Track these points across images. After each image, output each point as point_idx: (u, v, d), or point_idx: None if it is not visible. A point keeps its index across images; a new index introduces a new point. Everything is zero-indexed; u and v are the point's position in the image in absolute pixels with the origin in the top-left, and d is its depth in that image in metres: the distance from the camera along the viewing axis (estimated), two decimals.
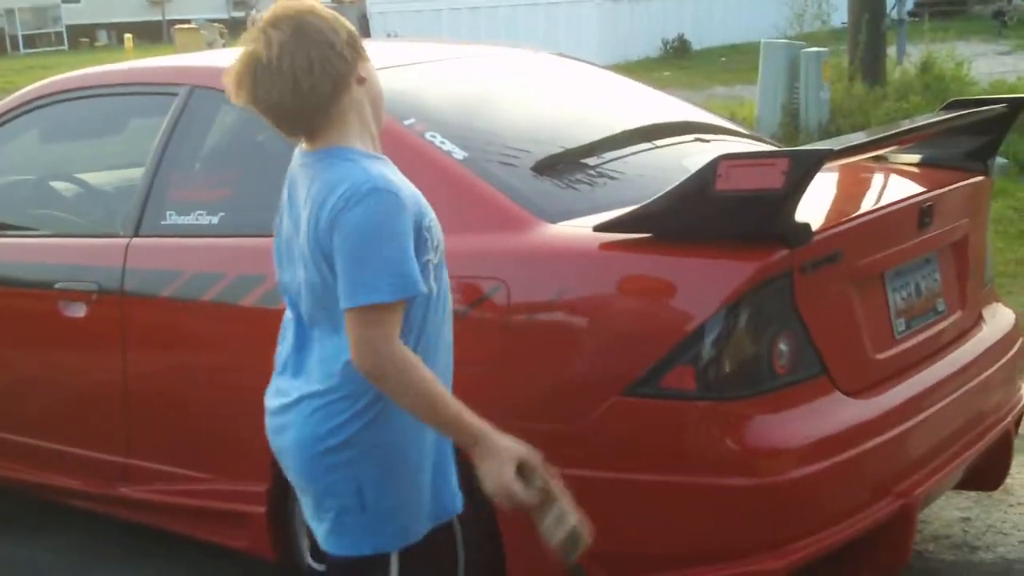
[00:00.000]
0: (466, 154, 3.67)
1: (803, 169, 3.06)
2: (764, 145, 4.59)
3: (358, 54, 2.66)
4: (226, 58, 4.77)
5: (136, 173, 4.40)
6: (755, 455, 3.16)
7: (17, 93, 4.89)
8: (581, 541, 2.67)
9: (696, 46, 26.53)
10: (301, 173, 2.72)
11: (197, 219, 4.07)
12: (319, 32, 2.58)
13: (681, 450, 3.19)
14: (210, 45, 30.72)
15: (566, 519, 2.66)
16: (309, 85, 2.57)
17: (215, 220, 4.03)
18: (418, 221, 2.61)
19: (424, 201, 2.68)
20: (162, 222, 4.15)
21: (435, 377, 2.60)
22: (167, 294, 4.02)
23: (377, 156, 2.69)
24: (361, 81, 2.67)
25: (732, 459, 3.15)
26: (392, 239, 2.52)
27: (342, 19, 2.66)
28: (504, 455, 2.60)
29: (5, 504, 5.09)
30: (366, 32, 30.10)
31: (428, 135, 3.72)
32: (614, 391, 3.21)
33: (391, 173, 2.64)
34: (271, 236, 3.79)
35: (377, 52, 5.06)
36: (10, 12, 43.79)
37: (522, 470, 2.62)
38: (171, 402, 4.13)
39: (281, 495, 3.85)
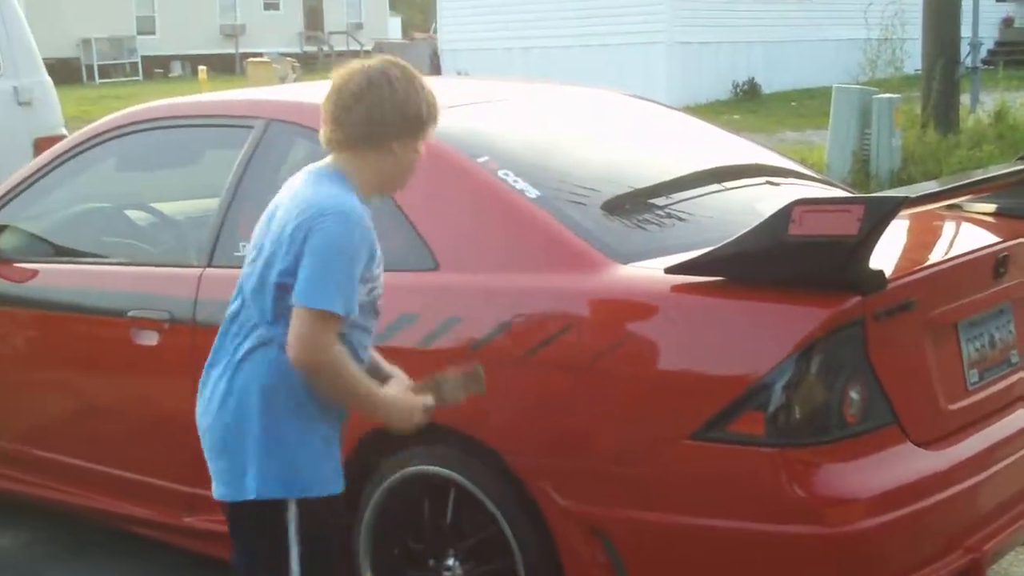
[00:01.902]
0: (538, 193, 3.68)
1: (879, 216, 3.03)
2: (835, 190, 4.58)
3: (410, 130, 3.12)
4: (302, 93, 4.86)
5: (210, 204, 4.44)
6: (823, 504, 3.13)
7: (97, 122, 4.96)
8: (480, 373, 3.20)
9: (766, 90, 26.47)
10: (295, 180, 3.22)
11: None
12: (395, 91, 3.08)
13: (748, 496, 3.17)
14: (282, 79, 30.97)
15: (460, 379, 3.22)
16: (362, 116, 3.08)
17: None
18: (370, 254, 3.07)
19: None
20: (235, 253, 4.17)
21: (357, 371, 3.08)
22: None
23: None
24: (391, 151, 3.12)
25: (800, 507, 3.12)
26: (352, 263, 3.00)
27: (416, 100, 3.12)
28: (404, 406, 3.15)
29: (78, 531, 5.13)
30: (437, 69, 30.29)
31: (501, 173, 3.74)
32: (682, 435, 3.20)
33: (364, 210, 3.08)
34: None
35: (451, 89, 5.11)
36: (87, 42, 44.39)
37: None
38: None
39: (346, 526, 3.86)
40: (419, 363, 3.62)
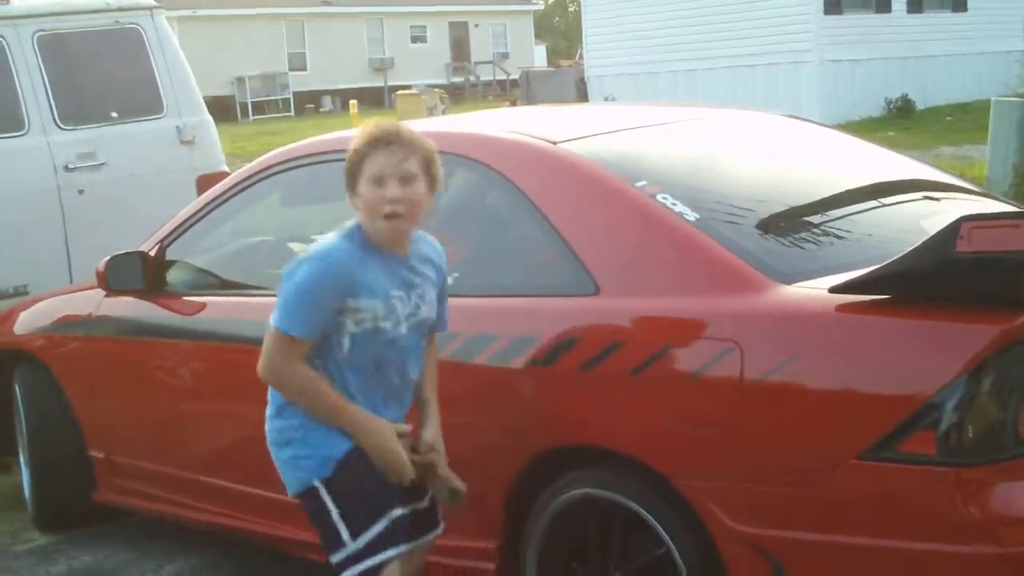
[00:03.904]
0: (697, 215, 3.68)
1: None
2: (999, 204, 4.49)
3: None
4: (458, 124, 4.93)
5: None
6: (1000, 523, 3.06)
7: (260, 159, 5.09)
8: (461, 497, 3.62)
9: (920, 105, 26.04)
10: None
11: None
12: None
13: (921, 516, 3.11)
14: (430, 110, 31.41)
15: (444, 483, 3.61)
16: None
17: (449, 280, 4.09)
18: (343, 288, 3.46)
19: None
20: None
21: (326, 385, 3.50)
22: None
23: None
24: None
25: (975, 527, 3.05)
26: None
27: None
28: (384, 434, 3.51)
29: (244, 558, 5.25)
30: (583, 95, 30.42)
31: (660, 197, 3.75)
32: (851, 455, 3.16)
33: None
34: (503, 296, 3.93)
35: (605, 116, 5.14)
36: (240, 80, 45.52)
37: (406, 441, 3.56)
38: None
39: (511, 552, 3.89)
40: (581, 388, 3.65)
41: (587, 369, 3.63)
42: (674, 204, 3.72)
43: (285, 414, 3.60)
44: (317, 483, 3.54)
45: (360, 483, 3.51)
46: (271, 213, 5.35)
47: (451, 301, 4.05)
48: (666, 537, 3.48)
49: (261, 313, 4.70)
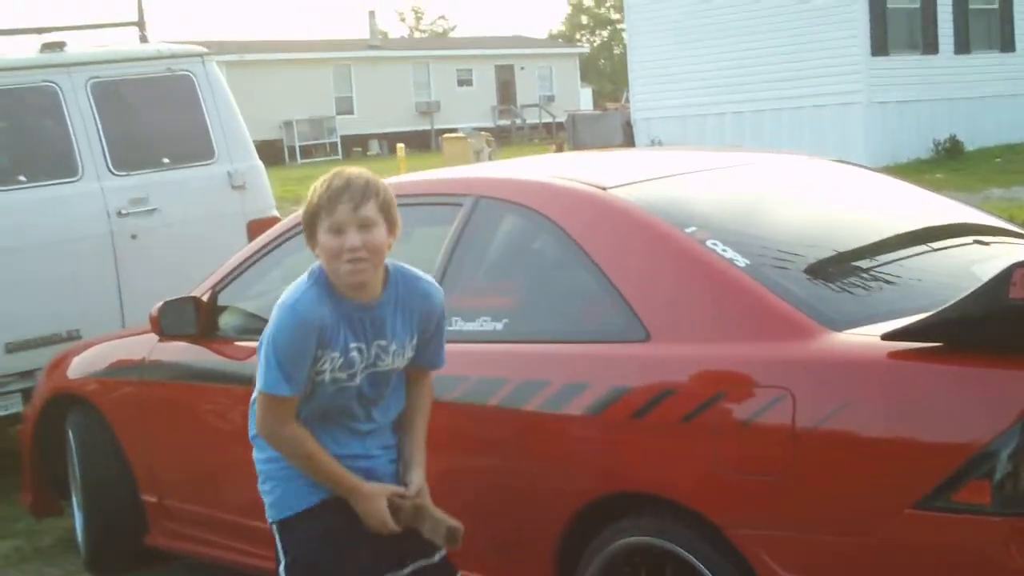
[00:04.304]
0: (748, 261, 3.68)
1: None
2: None
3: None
4: (507, 169, 4.95)
5: None
6: None
7: None
8: (458, 535, 3.56)
9: (969, 146, 25.85)
10: None
11: (482, 325, 4.17)
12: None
13: (976, 568, 3.09)
14: (477, 154, 31.45)
15: (440, 524, 3.56)
16: None
17: (499, 327, 4.13)
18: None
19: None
20: (449, 328, 4.25)
21: (319, 450, 3.50)
22: (452, 398, 4.09)
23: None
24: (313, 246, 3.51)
25: None
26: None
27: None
28: (372, 498, 3.52)
29: None
30: (630, 139, 30.44)
31: (709, 243, 3.75)
32: (904, 505, 3.14)
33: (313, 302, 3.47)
34: (554, 342, 3.93)
35: (655, 161, 5.14)
36: (288, 124, 45.83)
37: (394, 501, 3.55)
38: (453, 503, 4.19)
39: None
40: (632, 436, 3.65)
41: (638, 416, 3.63)
42: (724, 250, 3.72)
43: (258, 445, 3.67)
44: (274, 525, 3.63)
45: (312, 546, 3.57)
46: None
47: (501, 347, 4.08)
48: None
49: None
